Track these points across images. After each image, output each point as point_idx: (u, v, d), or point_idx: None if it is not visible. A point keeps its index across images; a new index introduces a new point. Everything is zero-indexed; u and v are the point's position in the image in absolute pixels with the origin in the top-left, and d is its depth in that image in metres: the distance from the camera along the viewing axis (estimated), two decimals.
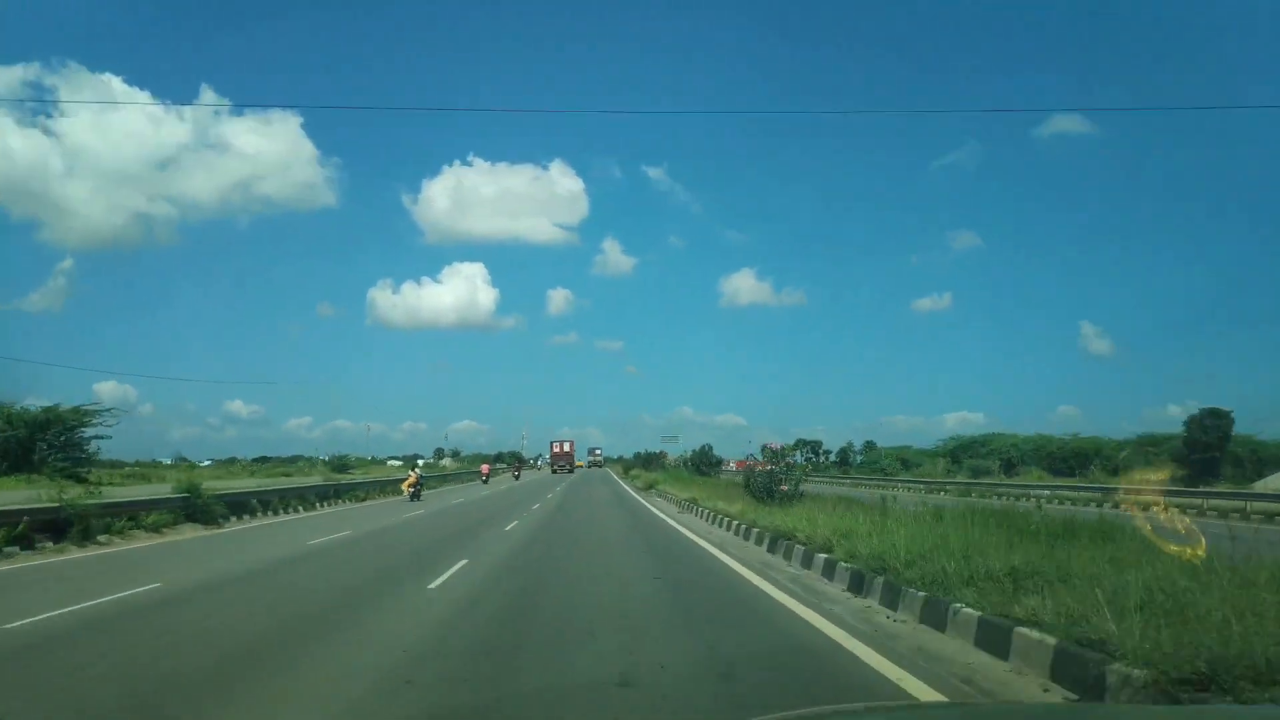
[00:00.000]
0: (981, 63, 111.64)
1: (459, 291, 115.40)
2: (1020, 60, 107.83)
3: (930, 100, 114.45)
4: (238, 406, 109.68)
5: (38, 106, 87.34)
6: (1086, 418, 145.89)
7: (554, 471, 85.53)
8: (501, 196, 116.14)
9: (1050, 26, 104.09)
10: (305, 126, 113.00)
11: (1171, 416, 77.51)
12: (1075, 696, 5.23)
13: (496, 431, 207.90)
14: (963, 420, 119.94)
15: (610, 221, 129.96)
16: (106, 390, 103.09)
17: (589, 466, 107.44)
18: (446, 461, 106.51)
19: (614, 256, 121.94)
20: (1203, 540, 6.11)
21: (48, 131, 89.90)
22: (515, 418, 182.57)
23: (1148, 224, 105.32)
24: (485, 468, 63.73)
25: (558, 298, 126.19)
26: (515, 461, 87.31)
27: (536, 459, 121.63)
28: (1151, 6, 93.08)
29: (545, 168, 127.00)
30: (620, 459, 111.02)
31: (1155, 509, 7.75)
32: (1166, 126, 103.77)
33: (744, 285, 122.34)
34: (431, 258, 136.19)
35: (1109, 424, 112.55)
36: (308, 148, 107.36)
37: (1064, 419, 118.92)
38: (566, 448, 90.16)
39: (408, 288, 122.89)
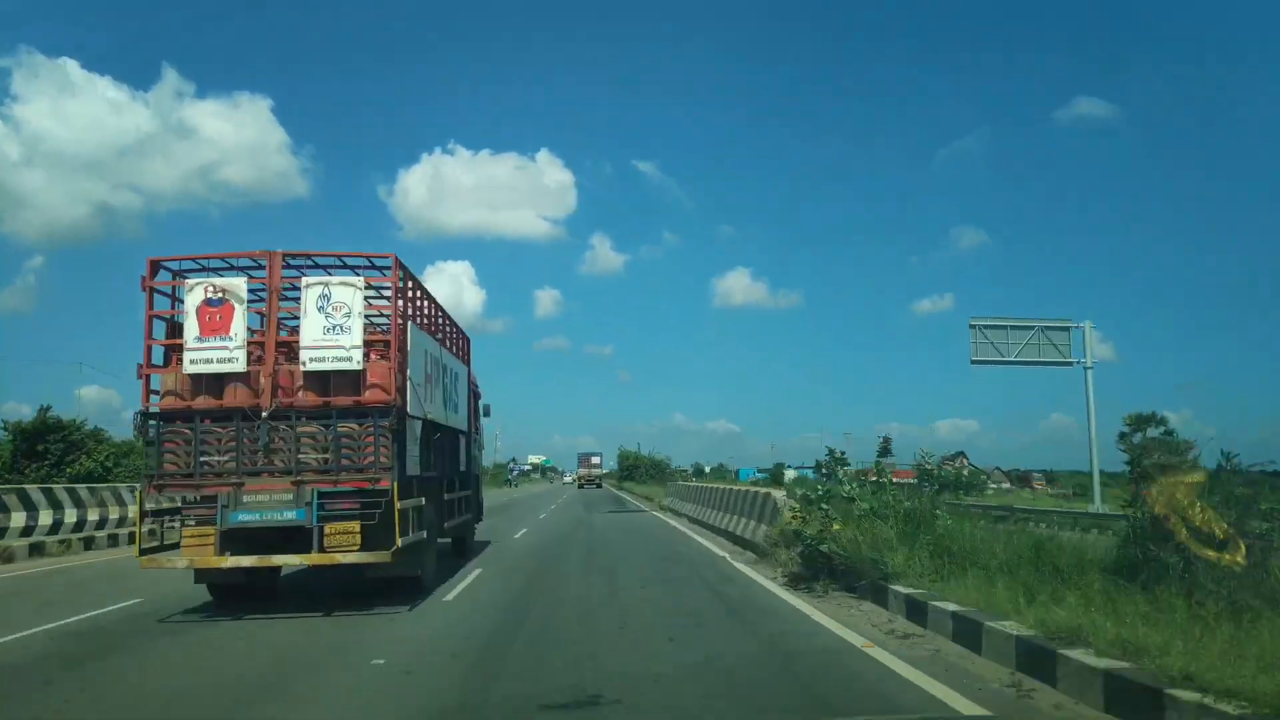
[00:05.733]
0: (995, 43, 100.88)
1: (443, 292, 63.95)
2: (1039, 40, 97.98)
3: (938, 83, 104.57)
4: None
5: None
6: (1080, 427, 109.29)
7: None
8: (485, 187, 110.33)
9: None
10: (276, 111, 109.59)
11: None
12: None
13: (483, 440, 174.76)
14: (955, 428, 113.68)
15: (600, 216, 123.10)
16: (90, 395, 76.84)
17: (581, 484, 75.53)
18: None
19: (604, 253, 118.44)
20: None
21: (3, 118, 75.33)
22: (507, 425, 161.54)
23: (1172, 218, 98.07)
24: None
25: (546, 299, 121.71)
26: None
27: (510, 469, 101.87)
28: None
29: (531, 158, 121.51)
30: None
31: None
32: (1202, 114, 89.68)
33: (738, 285, 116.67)
34: (415, 253, 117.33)
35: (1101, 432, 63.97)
36: (278, 134, 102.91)
37: (1055, 427, 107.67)
38: None
39: None
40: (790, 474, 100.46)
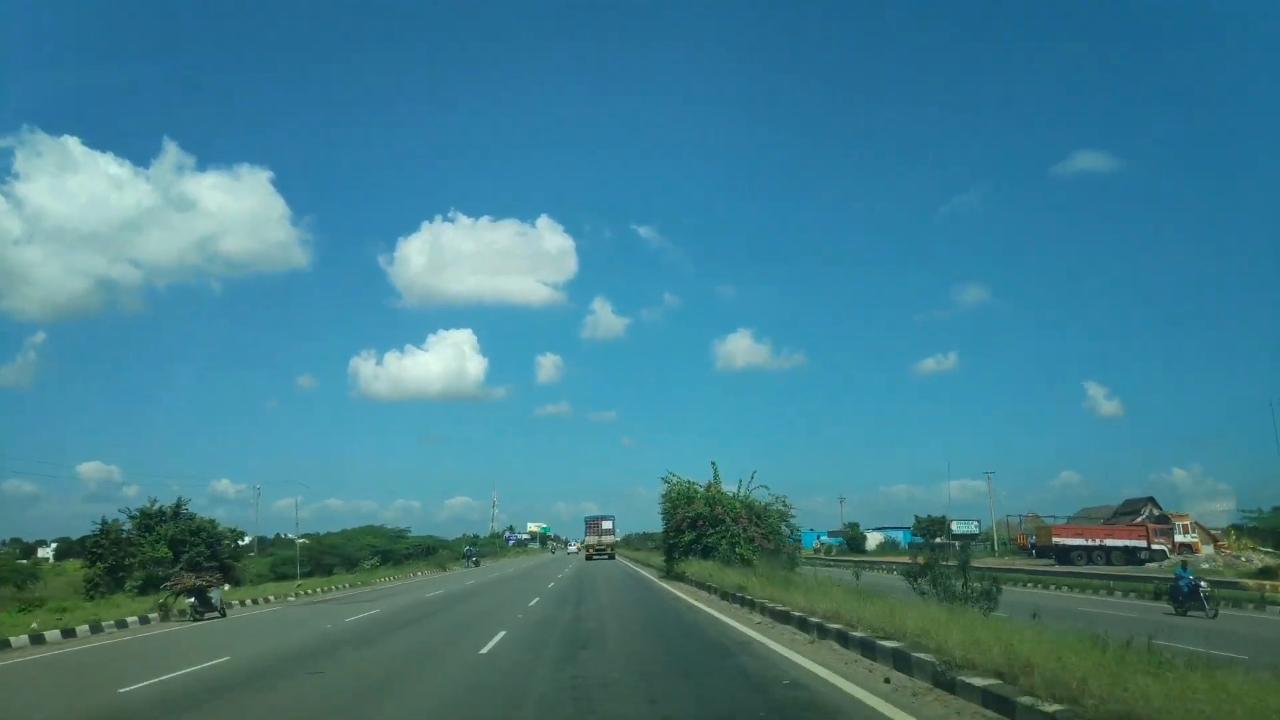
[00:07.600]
0: (994, 99, 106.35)
1: (446, 360, 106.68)
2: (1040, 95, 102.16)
3: (938, 140, 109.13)
4: (225, 486, 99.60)
5: None
6: (1088, 484, 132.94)
7: None
8: (485, 253, 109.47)
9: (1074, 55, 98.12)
10: (276, 182, 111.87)
11: (1176, 481, 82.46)
12: None
13: (487, 508, 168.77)
14: (964, 488, 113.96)
15: (600, 280, 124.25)
16: (90, 471, 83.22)
17: (590, 555, 65.22)
18: None
19: (605, 317, 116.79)
20: None
21: (5, 196, 78.74)
22: (509, 492, 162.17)
23: (1173, 273, 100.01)
24: None
25: (548, 364, 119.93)
26: None
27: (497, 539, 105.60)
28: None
29: (532, 224, 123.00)
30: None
31: None
32: (1205, 166, 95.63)
33: (739, 348, 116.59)
34: (416, 322, 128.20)
35: (1111, 490, 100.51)
36: (278, 205, 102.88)
37: (1066, 486, 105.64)
38: None
39: (391, 358, 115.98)
40: (875, 538, 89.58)
